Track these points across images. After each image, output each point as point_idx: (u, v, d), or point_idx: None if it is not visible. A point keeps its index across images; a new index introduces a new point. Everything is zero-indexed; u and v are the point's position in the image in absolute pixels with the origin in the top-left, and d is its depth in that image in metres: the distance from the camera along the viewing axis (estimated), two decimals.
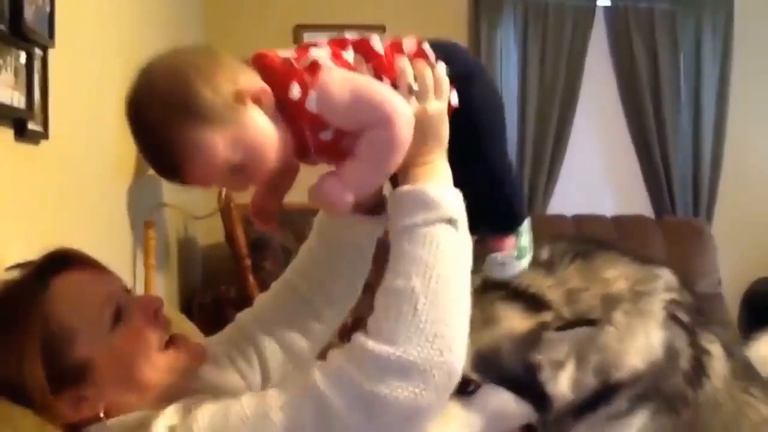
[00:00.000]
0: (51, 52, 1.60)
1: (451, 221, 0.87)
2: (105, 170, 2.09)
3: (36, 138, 1.56)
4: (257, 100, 0.87)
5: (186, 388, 0.98)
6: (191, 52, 0.91)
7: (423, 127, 0.91)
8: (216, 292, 2.73)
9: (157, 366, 0.96)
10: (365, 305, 3.06)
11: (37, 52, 1.54)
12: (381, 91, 0.89)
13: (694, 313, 1.33)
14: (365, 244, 1.12)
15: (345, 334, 2.82)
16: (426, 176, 0.91)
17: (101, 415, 0.92)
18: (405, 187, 0.90)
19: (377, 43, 0.93)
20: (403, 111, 0.88)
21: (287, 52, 0.91)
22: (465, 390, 1.10)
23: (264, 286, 2.65)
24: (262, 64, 0.90)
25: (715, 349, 1.34)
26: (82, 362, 0.92)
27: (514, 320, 1.16)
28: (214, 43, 3.47)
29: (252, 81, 0.87)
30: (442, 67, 0.94)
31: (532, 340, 1.15)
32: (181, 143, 0.84)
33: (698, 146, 3.84)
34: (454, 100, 0.95)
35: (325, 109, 0.88)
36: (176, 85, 0.84)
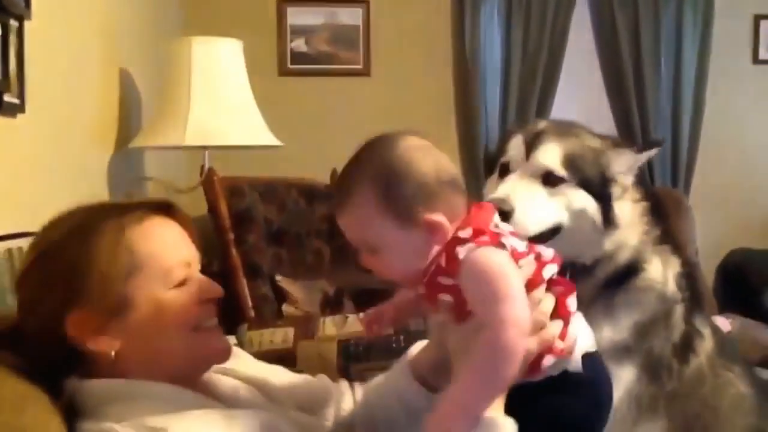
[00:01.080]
0: (27, 23, 1.58)
1: None
2: (84, 143, 2.07)
3: (13, 110, 1.55)
4: (431, 229, 0.91)
5: (192, 379, 1.01)
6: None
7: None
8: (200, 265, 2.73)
9: (184, 343, 0.98)
10: (344, 277, 3.07)
11: (13, 23, 1.52)
12: (516, 298, 0.86)
13: (695, 293, 1.39)
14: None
15: (326, 304, 2.85)
16: (495, 406, 0.86)
17: (112, 354, 0.94)
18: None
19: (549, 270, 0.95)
20: (518, 316, 0.85)
21: (496, 225, 0.95)
22: (549, 181, 1.22)
23: (247, 259, 2.69)
24: (474, 212, 0.95)
25: (706, 332, 1.39)
26: (129, 296, 0.94)
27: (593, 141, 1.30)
28: (194, 16, 3.45)
29: (444, 215, 0.91)
30: (558, 326, 0.93)
31: (607, 154, 1.28)
32: (354, 196, 0.92)
33: (677, 119, 3.87)
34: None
35: (465, 281, 0.89)
36: (395, 169, 0.92)
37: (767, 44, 4.06)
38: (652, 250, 1.34)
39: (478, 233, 0.91)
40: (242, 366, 1.15)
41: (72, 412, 0.93)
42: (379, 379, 1.18)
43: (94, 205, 1.02)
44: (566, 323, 0.94)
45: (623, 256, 1.30)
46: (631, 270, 1.31)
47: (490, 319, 0.86)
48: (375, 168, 0.92)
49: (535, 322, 0.90)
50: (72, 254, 0.94)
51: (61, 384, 0.96)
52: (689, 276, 1.39)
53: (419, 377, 1.06)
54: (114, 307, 0.94)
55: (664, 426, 1.33)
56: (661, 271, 1.34)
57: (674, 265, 1.37)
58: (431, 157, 0.95)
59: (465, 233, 0.91)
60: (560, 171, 1.23)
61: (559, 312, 0.94)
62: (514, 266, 0.90)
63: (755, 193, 4.05)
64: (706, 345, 1.38)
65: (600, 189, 1.25)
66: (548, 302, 0.93)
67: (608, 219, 1.26)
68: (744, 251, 3.74)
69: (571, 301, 0.96)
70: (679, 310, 1.35)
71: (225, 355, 1.05)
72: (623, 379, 1.28)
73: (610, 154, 1.29)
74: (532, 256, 0.93)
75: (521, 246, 0.94)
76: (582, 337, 0.97)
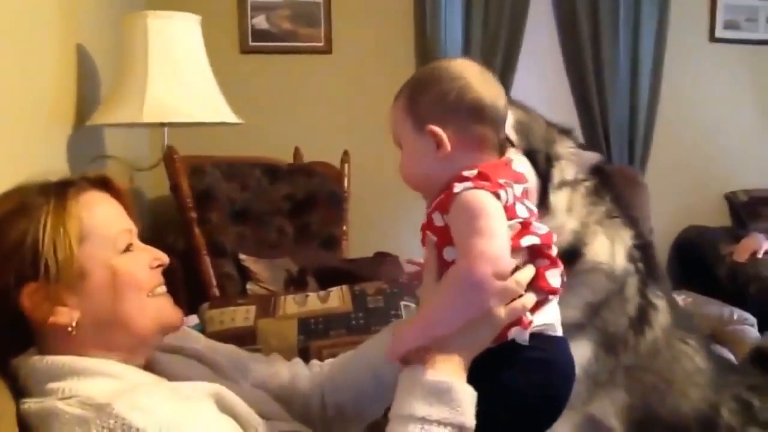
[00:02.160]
0: None
1: (463, 428, 0.86)
2: (41, 119, 2.03)
3: None
4: (434, 141, 0.98)
5: (148, 347, 1.02)
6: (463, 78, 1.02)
7: (487, 312, 0.90)
8: (163, 244, 2.71)
9: (141, 306, 1.00)
10: (307, 256, 3.06)
11: None
12: (496, 237, 0.90)
13: (650, 266, 1.39)
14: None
15: (290, 283, 2.84)
16: (458, 371, 0.89)
17: (73, 325, 0.95)
18: (435, 373, 0.88)
19: (534, 208, 1.00)
20: (494, 254, 0.89)
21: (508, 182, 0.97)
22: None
23: (210, 238, 2.67)
24: (489, 162, 1.00)
25: (661, 304, 1.39)
26: (81, 264, 0.95)
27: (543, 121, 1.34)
28: None
29: (454, 135, 0.98)
30: (531, 299, 0.94)
31: (554, 135, 1.31)
32: (399, 94, 1.07)
33: (635, 96, 3.92)
34: (523, 332, 0.93)
35: (452, 214, 0.93)
36: (429, 79, 1.03)
37: (723, 23, 4.12)
38: (595, 229, 1.34)
39: (481, 176, 0.94)
40: (192, 343, 1.16)
41: (19, 390, 0.94)
42: (358, 348, 1.21)
43: (31, 183, 1.02)
44: (543, 298, 0.95)
45: (563, 240, 1.28)
46: (572, 255, 1.30)
47: (467, 252, 0.90)
48: (415, 76, 1.07)
49: (509, 290, 0.91)
50: (17, 230, 0.94)
51: (11, 363, 0.96)
52: (643, 248, 1.39)
53: None
54: (68, 276, 0.95)
55: (621, 399, 1.34)
56: (607, 249, 1.34)
57: (624, 239, 1.37)
58: (464, 82, 1.00)
59: (469, 173, 0.95)
60: (511, 134, 1.23)
61: (537, 284, 0.95)
62: (502, 213, 0.92)
63: (710, 171, 4.12)
64: (661, 318, 1.38)
65: (543, 165, 1.26)
66: (527, 272, 0.94)
67: (543, 201, 1.25)
68: (698, 228, 3.83)
69: (552, 277, 0.96)
70: (632, 283, 1.35)
71: (179, 321, 1.07)
72: (579, 355, 1.25)
73: (557, 136, 1.32)
74: (518, 221, 0.95)
75: (522, 210, 0.96)
76: (548, 317, 0.97)
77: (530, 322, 0.93)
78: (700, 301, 2.88)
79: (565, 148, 1.32)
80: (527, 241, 0.95)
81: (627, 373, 1.34)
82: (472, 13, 3.73)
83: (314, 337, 1.82)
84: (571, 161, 1.32)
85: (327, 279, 2.41)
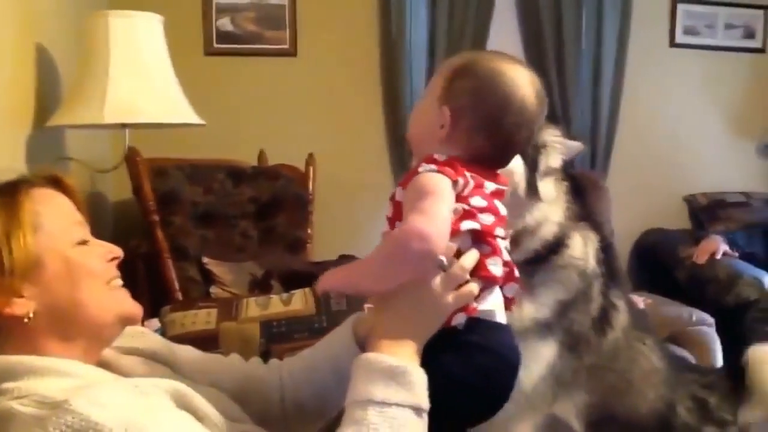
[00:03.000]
0: None
1: (419, 410, 0.87)
2: None
3: None
4: (442, 121, 1.00)
5: (106, 341, 1.01)
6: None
7: (433, 301, 0.93)
8: (126, 247, 2.68)
9: (99, 295, 0.99)
10: (272, 259, 3.04)
11: None
12: (436, 219, 0.91)
13: (611, 268, 1.43)
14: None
15: (254, 287, 2.82)
16: (412, 356, 0.91)
17: (30, 316, 0.94)
18: (391, 358, 0.89)
19: (501, 206, 1.00)
20: (430, 233, 0.89)
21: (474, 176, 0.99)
22: None
23: (173, 241, 2.64)
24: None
25: (621, 305, 1.43)
26: (36, 255, 0.95)
27: None
28: None
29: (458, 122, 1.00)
30: (477, 286, 0.95)
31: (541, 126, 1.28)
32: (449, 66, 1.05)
33: (597, 102, 3.95)
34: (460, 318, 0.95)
35: (407, 190, 0.96)
36: (485, 72, 1.02)
37: (683, 28, 4.18)
38: (573, 226, 1.37)
39: (449, 163, 0.96)
40: (150, 344, 1.15)
41: None
42: (317, 344, 1.21)
43: None
44: (485, 285, 0.96)
45: (548, 231, 1.32)
46: (556, 246, 1.33)
47: (404, 223, 0.92)
48: (475, 57, 1.05)
49: (454, 276, 0.93)
50: None
51: None
52: (606, 251, 1.43)
53: (359, 341, 1.10)
54: (23, 267, 0.94)
55: (583, 399, 1.36)
56: (581, 248, 1.37)
57: (593, 241, 1.40)
58: (513, 103, 1.00)
59: (439, 157, 0.97)
60: None
61: (478, 273, 0.95)
62: (452, 199, 0.94)
63: (670, 175, 4.16)
64: (621, 318, 1.42)
65: (531, 154, 1.27)
66: (470, 257, 0.95)
67: (533, 189, 1.28)
68: (657, 231, 3.88)
69: (493, 265, 0.96)
70: (596, 284, 1.38)
71: (138, 313, 1.06)
72: (546, 355, 1.31)
73: (544, 123, 1.30)
74: (464, 206, 0.96)
75: (479, 202, 0.97)
76: (490, 304, 0.98)
77: (476, 308, 0.95)
78: (660, 302, 2.92)
79: (551, 135, 1.33)
80: (467, 225, 0.95)
81: (589, 373, 1.36)
82: (437, 17, 3.74)
83: (277, 340, 1.81)
84: (556, 149, 1.32)
85: (292, 282, 2.41)
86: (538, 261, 1.32)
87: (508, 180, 1.06)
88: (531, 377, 1.30)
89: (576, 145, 1.38)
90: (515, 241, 1.28)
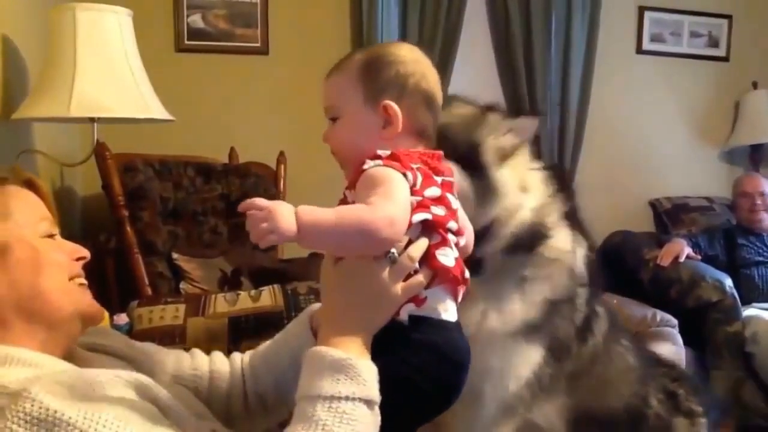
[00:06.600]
0: None
1: (370, 402, 0.86)
2: None
3: None
4: (385, 117, 1.00)
5: (68, 338, 1.00)
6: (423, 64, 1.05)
7: (381, 292, 0.92)
8: (95, 242, 2.66)
9: (62, 285, 0.99)
10: (242, 256, 3.04)
11: None
12: (396, 201, 0.90)
13: (596, 278, 1.42)
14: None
15: (224, 283, 2.81)
16: (360, 349, 0.90)
17: None
18: (339, 352, 0.88)
19: (452, 199, 0.99)
20: (396, 216, 0.89)
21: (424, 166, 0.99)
22: None
23: (142, 237, 2.62)
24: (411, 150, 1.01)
25: (601, 311, 1.43)
26: (3, 239, 0.95)
27: (464, 108, 1.33)
28: None
29: (403, 115, 1.00)
30: (426, 276, 0.94)
31: (478, 121, 1.29)
32: (345, 65, 1.06)
33: (565, 106, 4.00)
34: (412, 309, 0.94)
35: (357, 188, 0.95)
36: (389, 58, 1.03)
37: (650, 35, 4.26)
38: (561, 222, 1.35)
39: (393, 157, 0.95)
40: (111, 341, 1.15)
41: None
42: (277, 336, 1.22)
43: None
44: (434, 275, 0.95)
45: (522, 218, 1.29)
46: (534, 236, 1.30)
47: (376, 208, 0.89)
48: (371, 51, 1.05)
49: (402, 266, 0.93)
50: None
51: None
52: (593, 261, 1.41)
53: (315, 332, 1.10)
54: None
55: (562, 404, 1.36)
56: (570, 243, 1.35)
57: (582, 246, 1.39)
58: (422, 69, 1.03)
59: (383, 152, 0.96)
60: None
61: (427, 263, 0.94)
62: (406, 186, 0.93)
63: (634, 179, 4.24)
64: (602, 324, 1.42)
65: (473, 159, 1.24)
66: (419, 246, 0.94)
67: (488, 189, 1.24)
68: (623, 234, 3.93)
69: (443, 256, 0.95)
70: (583, 294, 1.37)
71: (97, 315, 1.06)
72: (532, 359, 1.30)
73: (479, 118, 1.30)
74: (417, 198, 0.94)
75: (433, 191, 0.96)
76: (436, 301, 0.96)
77: (424, 299, 0.94)
78: (625, 303, 2.96)
79: (489, 128, 1.28)
80: (418, 217, 0.93)
81: (568, 378, 1.36)
82: (408, 18, 3.76)
83: (244, 337, 1.81)
84: (500, 131, 1.28)
85: (261, 279, 2.41)
86: (521, 248, 1.29)
87: (452, 170, 1.06)
88: (518, 381, 1.29)
89: (528, 122, 1.33)
90: (490, 232, 1.26)
